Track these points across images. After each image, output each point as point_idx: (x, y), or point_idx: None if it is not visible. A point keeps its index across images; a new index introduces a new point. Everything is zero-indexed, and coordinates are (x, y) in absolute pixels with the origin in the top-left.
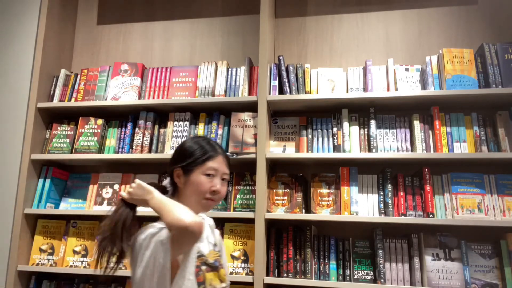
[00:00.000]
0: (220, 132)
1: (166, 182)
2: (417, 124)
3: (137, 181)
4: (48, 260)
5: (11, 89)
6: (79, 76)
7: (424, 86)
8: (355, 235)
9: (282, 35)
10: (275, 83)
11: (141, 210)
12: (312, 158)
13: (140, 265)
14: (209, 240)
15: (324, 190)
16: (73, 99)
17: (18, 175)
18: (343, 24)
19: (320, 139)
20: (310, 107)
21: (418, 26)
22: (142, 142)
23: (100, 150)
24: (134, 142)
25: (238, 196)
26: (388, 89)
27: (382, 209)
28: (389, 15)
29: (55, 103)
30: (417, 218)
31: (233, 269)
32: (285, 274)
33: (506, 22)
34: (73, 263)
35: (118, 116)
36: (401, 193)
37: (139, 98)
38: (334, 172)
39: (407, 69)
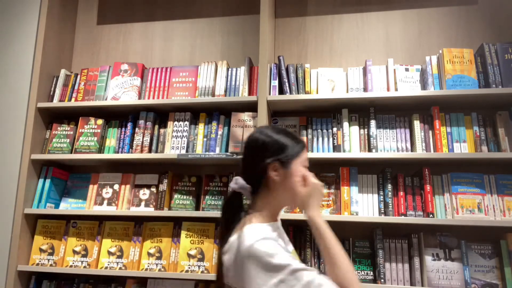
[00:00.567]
0: (220, 132)
1: (237, 184)
2: (417, 124)
3: (320, 184)
4: (48, 260)
5: (11, 89)
6: (79, 76)
7: (424, 86)
8: (355, 235)
9: (282, 35)
10: (275, 83)
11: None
12: (312, 158)
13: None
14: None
15: (324, 190)
16: (73, 99)
17: (18, 175)
18: (343, 24)
19: (320, 139)
20: (310, 107)
21: (418, 26)
22: (142, 142)
23: (100, 150)
24: (134, 142)
25: None
26: (388, 89)
27: (382, 209)
28: (389, 15)
29: (55, 103)
30: (417, 218)
31: None
32: None
33: (506, 22)
34: (73, 263)
35: (118, 116)
36: (401, 193)
37: (139, 98)
38: (334, 172)
39: (407, 69)
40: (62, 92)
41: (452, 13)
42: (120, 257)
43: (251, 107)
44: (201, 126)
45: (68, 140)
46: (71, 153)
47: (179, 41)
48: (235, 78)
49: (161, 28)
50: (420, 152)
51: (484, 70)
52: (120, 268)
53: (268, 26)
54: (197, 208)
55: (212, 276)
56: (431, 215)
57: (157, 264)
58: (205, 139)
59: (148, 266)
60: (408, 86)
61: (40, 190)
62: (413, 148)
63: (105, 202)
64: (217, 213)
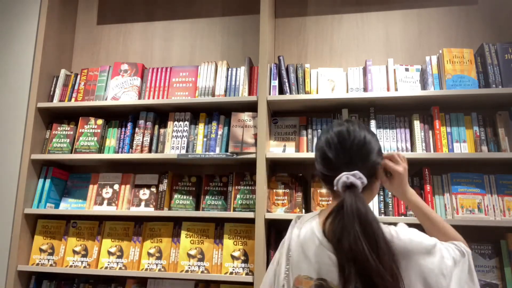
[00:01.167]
0: (220, 132)
1: (361, 178)
2: (417, 124)
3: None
4: (48, 260)
5: (11, 89)
6: (79, 76)
7: (424, 86)
8: None
9: (282, 35)
10: (275, 83)
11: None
12: (312, 158)
13: None
14: None
15: (324, 190)
16: (73, 99)
17: (18, 175)
18: (343, 24)
19: None
20: (310, 107)
21: (418, 26)
22: (142, 142)
23: (100, 150)
24: (134, 142)
25: (238, 196)
26: (388, 89)
27: (382, 209)
28: (389, 15)
29: (55, 103)
30: None
31: (233, 269)
32: None
33: (506, 22)
34: (73, 263)
35: (118, 116)
36: None
37: (139, 98)
38: None
39: (407, 69)
40: (62, 92)
41: (452, 13)
42: (120, 257)
43: (251, 107)
44: (201, 126)
45: (68, 140)
46: (71, 153)
47: (179, 41)
48: (235, 78)
49: (161, 28)
50: (420, 152)
51: (484, 70)
52: (120, 268)
53: (268, 26)
54: (197, 208)
55: (212, 276)
56: None
57: (157, 264)
58: (205, 139)
59: (148, 266)
60: (408, 86)
61: (40, 190)
62: (413, 148)
63: (105, 202)
64: (217, 213)
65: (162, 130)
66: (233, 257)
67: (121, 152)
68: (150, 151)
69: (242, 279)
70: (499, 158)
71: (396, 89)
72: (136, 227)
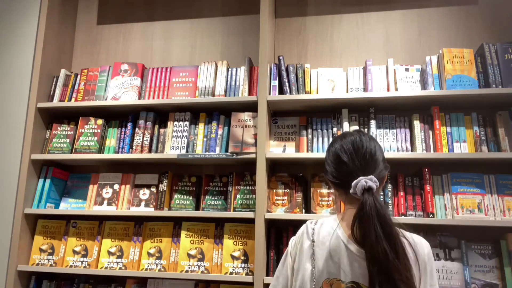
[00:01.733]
0: (220, 132)
1: (376, 182)
2: (417, 124)
3: None
4: (48, 260)
5: (11, 89)
6: (79, 76)
7: (424, 86)
8: None
9: (282, 35)
10: (275, 83)
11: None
12: (312, 158)
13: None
14: None
15: (324, 190)
16: (73, 99)
17: (18, 175)
18: (343, 24)
19: (320, 139)
20: (310, 107)
21: (418, 26)
22: (142, 142)
23: (100, 150)
24: (134, 142)
25: (238, 196)
26: (388, 89)
27: None
28: (389, 15)
29: (55, 103)
30: (417, 218)
31: (233, 269)
32: None
33: (506, 22)
34: (73, 263)
35: (118, 116)
36: (401, 193)
37: (139, 98)
38: None
39: (407, 69)
40: (62, 92)
41: (452, 13)
42: (120, 257)
43: (251, 107)
44: (201, 126)
45: (68, 140)
46: (71, 153)
47: (179, 41)
48: (235, 78)
49: (161, 28)
50: (420, 152)
51: (484, 70)
52: (120, 268)
53: (268, 26)
54: (197, 208)
55: (212, 276)
56: (431, 215)
57: (157, 264)
58: (205, 139)
59: (148, 266)
60: (408, 86)
61: (40, 190)
62: (413, 148)
63: (105, 202)
64: (217, 213)
65: (162, 130)
66: (233, 257)
67: (121, 152)
68: (150, 151)
69: (242, 279)
70: (499, 158)
71: (396, 89)
72: (136, 227)
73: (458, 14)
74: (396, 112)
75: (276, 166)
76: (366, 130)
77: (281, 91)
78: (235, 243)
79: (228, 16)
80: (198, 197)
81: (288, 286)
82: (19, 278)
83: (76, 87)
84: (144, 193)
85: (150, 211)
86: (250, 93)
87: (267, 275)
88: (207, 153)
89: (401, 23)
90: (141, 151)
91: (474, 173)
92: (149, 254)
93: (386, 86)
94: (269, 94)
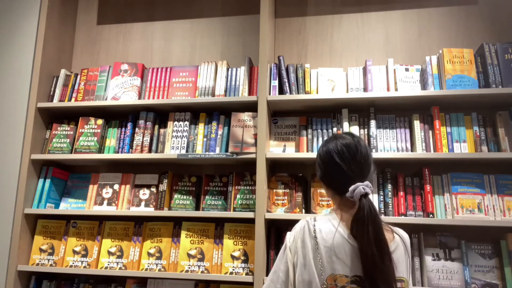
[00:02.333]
0: (220, 132)
1: (369, 189)
2: (417, 124)
3: None
4: (48, 260)
5: (11, 89)
6: (79, 76)
7: (424, 86)
8: None
9: (282, 35)
10: (275, 83)
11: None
12: (312, 158)
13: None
14: None
15: (324, 191)
16: (73, 99)
17: (18, 175)
18: (343, 24)
19: (320, 139)
20: (310, 107)
21: (418, 26)
22: (142, 142)
23: (100, 150)
24: (134, 142)
25: (238, 196)
26: (388, 89)
27: (382, 209)
28: (389, 15)
29: (55, 103)
30: (417, 218)
31: (233, 269)
32: None
33: (506, 22)
34: (73, 263)
35: (118, 116)
36: (401, 193)
37: (139, 98)
38: None
39: (407, 69)
40: (62, 92)
41: (452, 13)
42: (120, 257)
43: (251, 107)
44: (201, 126)
45: (68, 140)
46: (71, 153)
47: (179, 41)
48: (235, 78)
49: (161, 28)
50: (420, 152)
51: (484, 70)
52: (120, 268)
53: (268, 26)
54: (197, 208)
55: (212, 276)
56: (431, 215)
57: (157, 264)
58: (205, 139)
59: (148, 266)
60: (408, 86)
61: (40, 190)
62: (413, 148)
63: (105, 202)
64: (217, 213)
65: (162, 130)
66: (233, 257)
67: (121, 152)
68: (150, 151)
69: (242, 279)
70: (499, 158)
71: (396, 89)
72: (136, 227)
73: (458, 14)
74: (396, 112)
75: (276, 166)
76: (366, 130)
77: (281, 91)
78: (235, 243)
79: (228, 16)
80: (198, 197)
81: (289, 281)
82: (19, 278)
83: (76, 87)
84: (144, 193)
85: (150, 211)
86: (250, 93)
87: (267, 275)
88: (207, 153)
89: (401, 23)
90: (141, 151)
91: (474, 173)
92: (149, 254)
93: (386, 86)
94: (269, 94)
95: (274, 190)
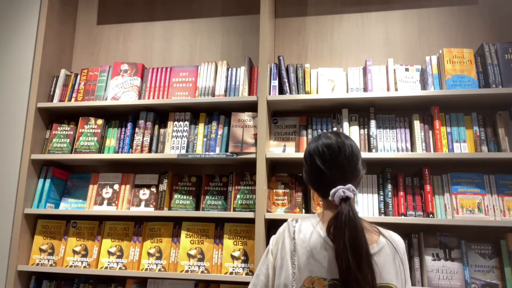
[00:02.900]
0: (220, 132)
1: (354, 191)
2: (417, 124)
3: None
4: (48, 260)
5: (11, 89)
6: (79, 76)
7: (424, 86)
8: None
9: (282, 35)
10: (275, 83)
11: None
12: None
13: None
14: None
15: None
16: (73, 99)
17: (18, 175)
18: (343, 24)
19: None
20: (310, 107)
21: (418, 26)
22: (142, 142)
23: (100, 150)
24: (134, 142)
25: (238, 196)
26: (388, 89)
27: (382, 209)
28: (389, 15)
29: (55, 103)
30: (417, 218)
31: (233, 269)
32: None
33: (506, 22)
34: (73, 263)
35: (118, 116)
36: (401, 193)
37: (139, 98)
38: None
39: (407, 69)
40: (62, 92)
41: (452, 13)
42: (120, 257)
43: (251, 107)
44: (201, 126)
45: (68, 140)
46: (71, 153)
47: (179, 41)
48: (235, 78)
49: (161, 28)
50: (420, 152)
51: (484, 70)
52: (120, 268)
53: (268, 26)
54: (197, 208)
55: (212, 276)
56: (431, 215)
57: (157, 264)
58: (205, 139)
59: (148, 266)
60: (408, 86)
61: (40, 190)
62: (413, 148)
63: (105, 202)
64: (217, 213)
65: (162, 130)
66: (233, 257)
67: (121, 152)
68: (150, 151)
69: (242, 279)
70: (499, 158)
71: (396, 89)
72: (136, 227)
73: (458, 14)
74: (396, 112)
75: (276, 166)
76: (366, 130)
77: (281, 91)
78: (235, 243)
79: (228, 16)
80: (198, 197)
81: (269, 284)
82: (19, 278)
83: (76, 87)
84: (144, 193)
85: (150, 211)
86: (250, 93)
87: None
88: (207, 153)
89: (401, 23)
90: (141, 151)
91: (474, 173)
92: (149, 254)
93: (386, 86)
94: (269, 94)
95: (274, 190)
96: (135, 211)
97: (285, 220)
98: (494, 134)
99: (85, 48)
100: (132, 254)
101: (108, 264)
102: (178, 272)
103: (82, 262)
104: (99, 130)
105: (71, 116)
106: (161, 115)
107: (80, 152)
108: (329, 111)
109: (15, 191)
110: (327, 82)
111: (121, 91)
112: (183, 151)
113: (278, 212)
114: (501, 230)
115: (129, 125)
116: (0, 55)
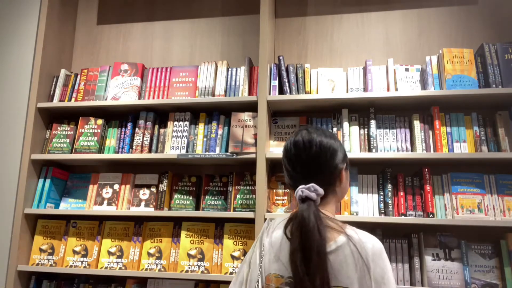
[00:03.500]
0: (220, 132)
1: (316, 191)
2: (417, 124)
3: None
4: (48, 260)
5: (11, 89)
6: (79, 76)
7: (424, 86)
8: None
9: (282, 35)
10: (275, 83)
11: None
12: None
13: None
14: None
15: None
16: (73, 99)
17: (18, 175)
18: (343, 24)
19: None
20: (310, 107)
21: (418, 26)
22: (142, 142)
23: (100, 150)
24: (134, 142)
25: (238, 196)
26: (388, 89)
27: (382, 209)
28: (389, 15)
29: (55, 103)
30: (417, 218)
31: (233, 269)
32: None
33: (506, 22)
34: (73, 263)
35: (118, 116)
36: (401, 193)
37: (139, 98)
38: None
39: (407, 69)
40: (62, 92)
41: (452, 13)
42: (120, 257)
43: (251, 107)
44: (201, 126)
45: (68, 140)
46: (71, 153)
47: (179, 41)
48: (235, 78)
49: (161, 28)
50: (420, 152)
51: (484, 70)
52: (120, 268)
53: (268, 26)
54: (197, 208)
55: (212, 276)
56: (431, 215)
57: (157, 264)
58: (205, 139)
59: (148, 266)
60: (408, 86)
61: (40, 190)
62: (413, 148)
63: (105, 202)
64: (217, 213)
65: (162, 130)
66: (233, 257)
67: (121, 152)
68: (150, 151)
69: None
70: (499, 158)
71: (396, 89)
72: (136, 227)
73: (458, 14)
74: (396, 112)
75: (276, 166)
76: (366, 130)
77: (281, 91)
78: (235, 243)
79: (228, 16)
80: (198, 197)
81: (244, 280)
82: (19, 278)
83: (76, 87)
84: (144, 193)
85: (150, 211)
86: (250, 93)
87: None
88: (207, 153)
89: (401, 23)
90: (141, 151)
91: (474, 173)
92: (149, 254)
93: (386, 86)
94: (269, 94)
95: (274, 190)
96: (135, 211)
97: None
98: (494, 134)
99: (85, 48)
100: (132, 254)
101: (108, 264)
102: (178, 272)
103: (82, 262)
104: (99, 130)
105: (71, 116)
106: (161, 115)
107: (80, 152)
108: (329, 111)
109: (15, 191)
110: (327, 82)
111: (121, 91)
112: (183, 151)
113: (278, 212)
114: (501, 230)
115: (129, 125)
116: (0, 55)
